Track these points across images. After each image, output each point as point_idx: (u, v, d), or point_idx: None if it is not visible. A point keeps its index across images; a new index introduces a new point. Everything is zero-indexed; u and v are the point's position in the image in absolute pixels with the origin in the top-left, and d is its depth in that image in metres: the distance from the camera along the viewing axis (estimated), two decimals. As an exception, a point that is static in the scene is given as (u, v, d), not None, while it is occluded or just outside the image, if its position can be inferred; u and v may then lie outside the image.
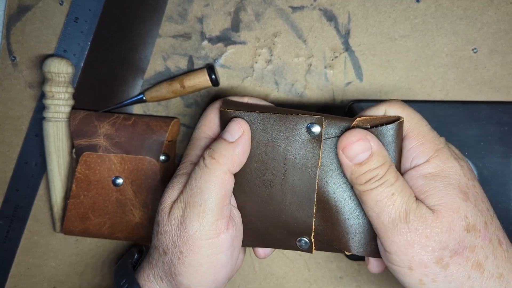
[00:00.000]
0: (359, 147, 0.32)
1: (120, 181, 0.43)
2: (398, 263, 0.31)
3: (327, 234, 0.35)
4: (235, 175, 0.35)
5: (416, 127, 0.33)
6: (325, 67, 0.45)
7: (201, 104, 0.46)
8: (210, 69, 0.44)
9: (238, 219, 0.36)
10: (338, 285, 0.46)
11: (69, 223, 0.44)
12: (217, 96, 0.46)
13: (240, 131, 0.34)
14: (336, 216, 0.35)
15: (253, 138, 0.35)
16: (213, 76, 0.43)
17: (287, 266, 0.47)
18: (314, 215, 0.35)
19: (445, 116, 0.43)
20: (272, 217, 0.36)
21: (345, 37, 0.44)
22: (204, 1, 0.45)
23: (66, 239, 0.47)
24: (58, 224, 0.46)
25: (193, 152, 0.37)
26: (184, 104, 0.46)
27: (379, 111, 0.34)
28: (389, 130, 0.32)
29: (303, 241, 0.36)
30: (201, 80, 0.43)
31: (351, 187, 0.34)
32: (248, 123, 0.35)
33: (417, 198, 0.31)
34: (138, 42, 0.45)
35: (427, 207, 0.31)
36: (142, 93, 0.45)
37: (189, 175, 0.35)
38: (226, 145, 0.34)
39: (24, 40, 0.46)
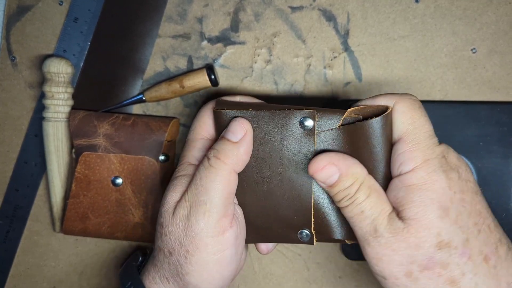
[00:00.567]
0: (326, 173, 0.33)
1: (119, 181, 0.44)
2: (375, 272, 0.32)
3: (327, 225, 0.36)
4: None
5: (413, 132, 0.32)
6: (324, 67, 0.45)
7: (200, 104, 0.46)
8: (210, 69, 0.44)
9: (240, 217, 0.36)
10: (338, 285, 0.46)
11: (68, 223, 0.44)
12: (217, 96, 0.45)
13: (243, 131, 0.34)
14: (333, 206, 0.35)
15: None
16: (213, 76, 0.43)
17: (287, 266, 0.47)
18: (312, 207, 0.36)
19: (444, 116, 0.43)
20: (272, 212, 0.36)
21: (344, 37, 0.44)
22: (204, 2, 0.45)
23: (66, 239, 0.48)
24: (57, 224, 0.46)
25: (190, 154, 0.37)
26: (183, 104, 0.46)
27: (388, 102, 0.33)
28: (377, 123, 0.32)
29: (304, 234, 0.36)
30: (201, 80, 0.44)
31: None
32: None
33: (396, 209, 0.31)
34: (137, 42, 0.45)
35: (402, 220, 0.31)
36: (141, 93, 0.45)
37: (190, 176, 0.35)
38: (230, 145, 0.34)
39: (23, 40, 0.46)
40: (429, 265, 0.30)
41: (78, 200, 0.44)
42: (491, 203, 0.43)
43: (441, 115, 0.43)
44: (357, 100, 0.43)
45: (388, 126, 0.32)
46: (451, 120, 0.43)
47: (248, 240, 0.38)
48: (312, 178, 0.35)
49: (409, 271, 0.30)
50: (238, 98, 0.38)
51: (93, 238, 0.47)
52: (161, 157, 0.44)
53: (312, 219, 0.36)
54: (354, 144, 0.34)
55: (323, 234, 0.36)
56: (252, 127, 0.35)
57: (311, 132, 0.34)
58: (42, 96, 0.45)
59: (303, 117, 0.34)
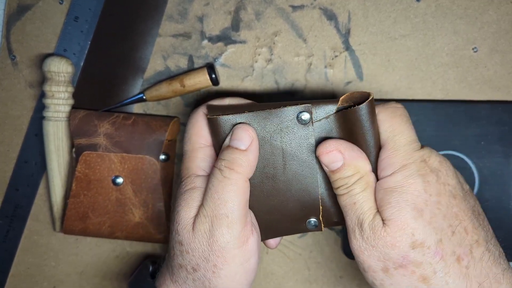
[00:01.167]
0: (332, 157, 0.34)
1: (120, 180, 0.43)
2: (357, 262, 0.34)
3: (333, 211, 0.37)
4: None
5: (393, 140, 0.34)
6: (325, 67, 0.45)
7: (201, 103, 0.46)
8: (210, 68, 0.44)
9: (254, 220, 0.37)
10: (338, 285, 0.46)
11: (69, 222, 0.44)
12: (217, 96, 0.45)
13: (250, 137, 0.34)
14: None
15: None
16: (213, 76, 0.43)
17: (287, 265, 0.47)
18: (320, 196, 0.36)
19: (445, 116, 0.43)
20: (280, 208, 0.37)
21: (345, 36, 0.44)
22: (204, 0, 0.45)
23: (66, 239, 0.47)
24: (58, 224, 0.46)
25: (194, 165, 0.36)
26: (184, 104, 0.46)
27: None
28: (361, 110, 0.33)
29: (312, 221, 0.37)
30: (201, 79, 0.43)
31: None
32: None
33: (378, 210, 0.33)
34: (138, 41, 0.45)
35: (382, 220, 0.32)
36: (142, 92, 0.45)
37: (200, 189, 0.35)
38: (240, 154, 0.34)
39: (24, 39, 0.46)
40: (403, 263, 0.31)
41: (78, 200, 0.44)
42: (492, 202, 0.44)
43: (442, 114, 0.43)
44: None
45: (372, 113, 0.33)
46: (452, 119, 0.43)
47: (260, 239, 0.38)
48: (316, 168, 0.36)
49: (385, 267, 0.32)
50: (227, 101, 0.37)
51: (93, 238, 0.47)
52: (162, 157, 0.44)
53: (320, 206, 0.37)
54: (348, 132, 0.34)
55: (330, 219, 0.37)
56: None
57: (309, 125, 0.35)
58: (42, 95, 0.45)
59: (299, 112, 0.34)
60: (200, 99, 0.46)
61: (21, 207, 0.47)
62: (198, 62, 0.45)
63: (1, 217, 0.47)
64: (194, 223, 0.34)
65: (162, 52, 0.45)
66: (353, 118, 0.33)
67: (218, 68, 0.45)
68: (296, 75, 0.45)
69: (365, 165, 0.34)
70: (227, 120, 0.35)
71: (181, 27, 0.45)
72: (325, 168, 0.35)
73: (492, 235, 0.34)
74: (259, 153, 0.35)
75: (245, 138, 0.34)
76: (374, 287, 0.33)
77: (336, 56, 0.45)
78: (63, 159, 0.45)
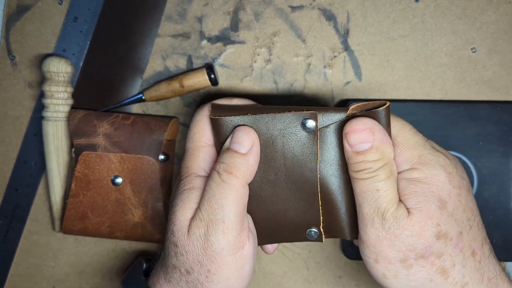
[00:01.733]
0: (362, 137, 0.32)
1: (119, 180, 0.44)
2: (367, 254, 0.32)
3: (335, 224, 0.36)
4: None
5: (398, 134, 0.33)
6: (324, 67, 0.45)
7: (200, 103, 0.46)
8: (209, 68, 0.44)
9: (252, 225, 0.36)
10: (337, 285, 0.46)
11: (68, 222, 0.44)
12: (216, 96, 0.46)
13: (251, 141, 0.33)
14: (339, 205, 0.35)
15: None
16: (212, 76, 0.43)
17: (286, 265, 0.47)
18: (320, 207, 0.35)
19: (444, 116, 0.43)
20: (279, 216, 0.36)
21: (344, 36, 0.44)
22: (204, 1, 0.45)
23: (66, 239, 0.47)
24: (57, 224, 0.46)
25: (195, 164, 0.35)
26: (183, 104, 0.46)
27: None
28: (382, 113, 0.32)
29: (312, 232, 0.36)
30: (200, 79, 0.43)
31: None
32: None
33: (400, 199, 0.32)
34: (137, 41, 0.45)
35: (406, 208, 0.31)
36: (141, 92, 0.45)
37: (199, 190, 0.34)
38: (239, 158, 0.33)
39: (23, 39, 0.46)
40: (425, 254, 0.31)
41: (77, 200, 0.44)
42: (491, 202, 0.44)
43: (441, 114, 0.43)
44: (356, 100, 0.43)
45: (389, 120, 0.33)
46: (451, 120, 0.43)
47: (258, 243, 0.37)
48: (317, 178, 0.34)
49: (405, 257, 0.31)
50: (235, 101, 0.36)
51: (92, 238, 0.47)
52: (161, 157, 0.44)
53: (321, 217, 0.36)
54: None
55: (331, 231, 0.36)
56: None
57: (313, 133, 0.34)
58: (41, 95, 0.45)
59: (304, 119, 0.33)
60: (199, 99, 0.46)
61: (20, 207, 0.47)
62: (197, 63, 0.45)
63: (0, 217, 0.47)
64: (190, 225, 0.33)
65: (161, 53, 0.45)
66: None
67: (217, 68, 0.45)
68: (295, 75, 0.45)
69: (391, 153, 0.33)
70: (229, 121, 0.34)
71: (180, 27, 0.45)
72: (348, 147, 0.33)
73: None
74: (261, 157, 0.34)
75: (246, 142, 0.33)
76: (383, 280, 0.32)
77: (335, 57, 0.45)
78: (63, 159, 0.45)
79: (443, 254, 0.31)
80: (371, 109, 0.33)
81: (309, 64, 0.45)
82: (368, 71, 0.45)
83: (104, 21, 0.45)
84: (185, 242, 0.33)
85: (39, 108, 0.46)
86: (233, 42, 0.45)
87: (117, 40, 0.45)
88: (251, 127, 0.34)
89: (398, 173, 0.33)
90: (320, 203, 0.35)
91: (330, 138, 0.34)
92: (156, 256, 0.40)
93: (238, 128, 0.34)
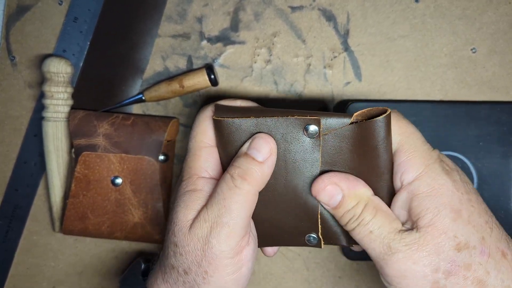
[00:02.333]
0: (329, 192, 0.33)
1: (119, 180, 0.44)
2: None
3: (333, 232, 0.35)
4: None
5: (407, 141, 0.32)
6: (324, 67, 0.45)
7: (200, 104, 0.46)
8: (209, 69, 0.44)
9: (253, 230, 0.36)
10: (337, 285, 0.46)
11: (68, 222, 0.44)
12: (216, 96, 0.46)
13: (269, 150, 0.33)
14: None
15: None
16: (212, 76, 0.43)
17: (286, 266, 0.47)
18: (319, 215, 0.35)
19: (444, 116, 0.43)
20: (278, 220, 0.36)
21: (344, 37, 0.44)
22: (203, 1, 0.45)
23: (66, 239, 0.47)
24: (57, 224, 0.46)
25: (197, 165, 0.35)
26: (183, 104, 0.46)
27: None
28: (382, 121, 0.31)
29: (311, 237, 0.36)
30: (200, 80, 0.43)
31: None
32: (243, 129, 0.34)
33: (411, 220, 0.31)
34: (137, 42, 0.45)
35: (417, 229, 0.31)
36: (141, 93, 0.45)
37: (202, 192, 0.34)
38: (256, 165, 0.33)
39: (23, 40, 0.46)
40: (453, 270, 0.30)
41: (77, 200, 0.44)
42: (491, 203, 0.43)
43: (441, 115, 0.43)
44: (356, 101, 0.43)
45: (390, 128, 0.32)
46: (451, 120, 0.43)
47: (258, 245, 0.37)
48: None
49: (435, 281, 0.30)
50: (238, 103, 0.36)
51: (92, 238, 0.47)
52: (161, 157, 0.44)
53: (319, 225, 0.35)
54: (361, 148, 0.33)
55: (330, 239, 0.36)
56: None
57: (316, 139, 0.33)
58: (41, 95, 0.45)
59: (307, 124, 0.33)
60: (199, 99, 0.46)
61: (20, 208, 0.47)
62: (197, 63, 0.45)
63: (0, 217, 0.47)
64: (192, 225, 0.33)
65: (161, 53, 0.45)
66: (369, 131, 0.32)
67: (217, 69, 0.45)
68: (295, 75, 0.45)
69: (365, 191, 0.33)
70: (232, 123, 0.34)
71: (180, 27, 0.45)
72: (326, 207, 0.33)
73: None
74: None
75: (265, 150, 0.33)
76: None
77: (335, 57, 0.45)
78: (63, 159, 0.45)
79: (472, 265, 0.30)
80: (374, 115, 0.32)
81: (309, 65, 0.45)
82: (368, 72, 0.45)
83: (104, 22, 0.45)
84: (185, 242, 0.33)
85: (39, 109, 0.46)
86: (233, 43, 0.45)
87: (117, 40, 0.45)
88: (271, 136, 0.33)
89: (404, 187, 0.32)
90: (319, 210, 0.35)
91: (332, 143, 0.33)
92: (155, 256, 0.40)
93: (258, 135, 0.33)
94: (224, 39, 0.45)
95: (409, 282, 0.30)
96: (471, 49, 0.44)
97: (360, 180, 0.33)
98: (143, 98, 0.45)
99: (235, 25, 0.45)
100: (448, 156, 0.43)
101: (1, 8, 0.46)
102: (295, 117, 0.33)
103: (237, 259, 0.33)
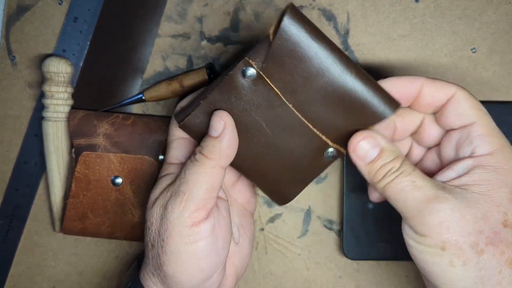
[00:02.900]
0: (368, 145, 0.33)
1: (119, 180, 0.44)
2: (430, 244, 0.30)
3: (339, 134, 0.35)
4: (239, 162, 0.36)
5: (485, 118, 0.33)
6: (324, 67, 0.45)
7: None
8: (210, 69, 0.44)
9: (225, 211, 0.36)
10: (337, 285, 0.47)
11: (68, 222, 0.44)
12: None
13: (221, 124, 0.34)
14: (332, 119, 0.35)
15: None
16: (212, 76, 0.43)
17: (286, 265, 0.47)
18: (316, 130, 0.35)
19: (444, 116, 0.43)
20: (288, 163, 0.36)
21: (344, 37, 0.44)
22: (204, 1, 0.45)
23: (66, 239, 0.47)
24: (57, 224, 0.46)
25: (169, 154, 0.38)
26: (183, 104, 0.46)
27: (450, 89, 0.34)
28: (287, 25, 0.31)
29: (329, 153, 0.36)
30: (201, 80, 0.43)
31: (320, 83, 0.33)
32: (203, 115, 0.35)
33: (466, 185, 0.31)
34: (137, 41, 0.45)
35: (467, 190, 0.31)
36: (141, 92, 0.45)
37: (171, 174, 0.36)
38: (212, 141, 0.34)
39: (23, 39, 0.46)
40: (495, 241, 0.29)
41: (77, 200, 0.44)
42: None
43: (441, 114, 0.43)
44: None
45: (308, 26, 0.32)
46: (451, 120, 0.43)
47: (294, 194, 0.39)
48: (293, 111, 0.34)
49: (475, 242, 0.29)
50: (190, 97, 0.38)
51: (93, 238, 0.47)
52: (161, 157, 0.44)
53: (323, 136, 0.35)
54: (298, 70, 0.33)
55: (342, 139, 0.35)
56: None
57: (258, 76, 0.33)
58: (41, 95, 0.45)
59: (242, 71, 0.33)
60: (199, 99, 0.46)
61: (20, 207, 0.47)
62: (197, 63, 0.45)
63: (0, 217, 0.47)
64: (156, 199, 0.35)
65: (161, 53, 0.45)
66: (289, 41, 0.31)
67: (218, 69, 0.45)
68: (295, 75, 0.45)
69: (400, 151, 0.33)
70: (192, 118, 0.35)
71: (180, 27, 0.45)
72: (360, 164, 0.33)
73: None
74: (240, 131, 0.35)
75: (216, 125, 0.34)
76: (448, 269, 0.30)
77: (335, 57, 0.45)
78: (63, 159, 0.45)
79: None
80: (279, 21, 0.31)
81: (309, 65, 0.45)
82: (368, 72, 0.44)
83: (104, 21, 0.45)
84: (150, 214, 0.35)
85: (39, 108, 0.46)
86: (233, 43, 0.45)
87: (117, 40, 0.45)
88: (224, 110, 0.34)
89: (472, 157, 0.32)
90: (314, 128, 0.35)
91: (277, 73, 0.33)
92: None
93: (213, 113, 0.35)
94: (224, 39, 0.45)
95: (450, 234, 0.30)
96: (471, 49, 0.44)
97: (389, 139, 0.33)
98: (143, 98, 0.45)
99: (235, 25, 0.45)
100: (448, 156, 0.43)
101: (1, 7, 0.46)
102: (229, 74, 0.33)
103: (192, 230, 0.33)
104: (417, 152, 0.38)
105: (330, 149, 0.36)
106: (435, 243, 0.30)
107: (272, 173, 0.37)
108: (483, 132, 0.32)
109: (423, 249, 0.31)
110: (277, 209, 0.46)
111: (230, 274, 0.39)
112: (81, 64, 0.45)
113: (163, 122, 0.44)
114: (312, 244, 0.46)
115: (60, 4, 0.45)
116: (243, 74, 0.33)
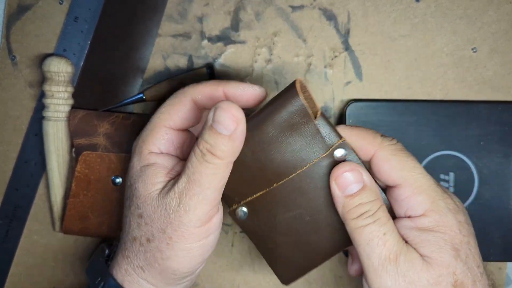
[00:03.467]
0: (352, 177, 0.32)
1: (119, 180, 0.43)
2: None
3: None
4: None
5: (410, 177, 0.32)
6: (325, 67, 0.45)
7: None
8: (210, 68, 0.44)
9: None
10: (338, 285, 0.46)
11: (68, 222, 0.44)
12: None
13: (234, 121, 0.31)
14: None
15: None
16: (213, 76, 0.43)
17: (287, 265, 0.47)
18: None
19: (445, 116, 0.43)
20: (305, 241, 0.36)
21: (345, 36, 0.44)
22: (204, 1, 0.45)
23: (66, 239, 0.47)
24: (57, 224, 0.46)
25: (151, 141, 0.36)
26: (183, 104, 0.46)
27: (369, 148, 0.33)
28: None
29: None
30: (201, 79, 0.43)
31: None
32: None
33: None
34: (138, 41, 0.45)
35: (419, 253, 0.31)
36: (141, 92, 0.45)
37: (160, 165, 0.34)
38: (224, 140, 0.31)
39: (24, 39, 0.46)
40: None
41: (78, 200, 0.44)
42: (492, 202, 0.44)
43: (442, 114, 0.43)
44: (358, 100, 0.43)
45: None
46: (452, 120, 0.43)
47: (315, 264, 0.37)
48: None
49: None
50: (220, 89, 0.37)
51: (93, 238, 0.47)
52: (161, 157, 0.44)
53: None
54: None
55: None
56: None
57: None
58: (42, 95, 0.45)
59: (336, 148, 0.32)
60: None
61: (20, 207, 0.47)
62: (197, 62, 0.45)
63: (0, 217, 0.47)
64: (158, 196, 0.33)
65: (162, 52, 0.45)
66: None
67: (218, 68, 0.45)
68: (295, 75, 0.45)
69: (379, 192, 0.33)
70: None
71: (181, 27, 0.45)
72: (338, 193, 0.32)
73: None
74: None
75: (227, 122, 0.31)
76: None
77: (335, 57, 0.45)
78: (63, 159, 0.45)
79: None
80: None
81: (310, 64, 0.45)
82: (368, 71, 0.45)
83: (104, 21, 0.45)
84: (152, 211, 0.33)
85: (40, 108, 0.46)
86: (234, 42, 0.45)
87: (117, 40, 0.45)
88: (234, 104, 0.32)
89: (407, 217, 0.32)
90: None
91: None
92: (116, 241, 0.40)
93: (218, 105, 0.31)
94: (224, 38, 0.45)
95: None
96: (472, 49, 0.44)
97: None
98: (144, 97, 0.45)
99: (235, 25, 0.45)
100: (449, 156, 0.43)
101: (2, 7, 0.46)
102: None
103: (205, 228, 0.33)
104: None
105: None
106: None
107: (285, 248, 0.36)
108: (410, 193, 0.32)
109: None
110: (277, 209, 0.46)
111: None
112: (82, 64, 0.45)
113: (164, 121, 0.44)
114: (313, 244, 0.46)
115: (60, 3, 0.45)
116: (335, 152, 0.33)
